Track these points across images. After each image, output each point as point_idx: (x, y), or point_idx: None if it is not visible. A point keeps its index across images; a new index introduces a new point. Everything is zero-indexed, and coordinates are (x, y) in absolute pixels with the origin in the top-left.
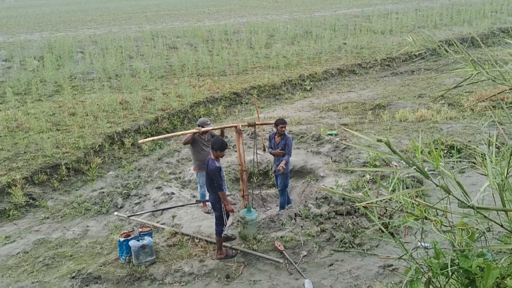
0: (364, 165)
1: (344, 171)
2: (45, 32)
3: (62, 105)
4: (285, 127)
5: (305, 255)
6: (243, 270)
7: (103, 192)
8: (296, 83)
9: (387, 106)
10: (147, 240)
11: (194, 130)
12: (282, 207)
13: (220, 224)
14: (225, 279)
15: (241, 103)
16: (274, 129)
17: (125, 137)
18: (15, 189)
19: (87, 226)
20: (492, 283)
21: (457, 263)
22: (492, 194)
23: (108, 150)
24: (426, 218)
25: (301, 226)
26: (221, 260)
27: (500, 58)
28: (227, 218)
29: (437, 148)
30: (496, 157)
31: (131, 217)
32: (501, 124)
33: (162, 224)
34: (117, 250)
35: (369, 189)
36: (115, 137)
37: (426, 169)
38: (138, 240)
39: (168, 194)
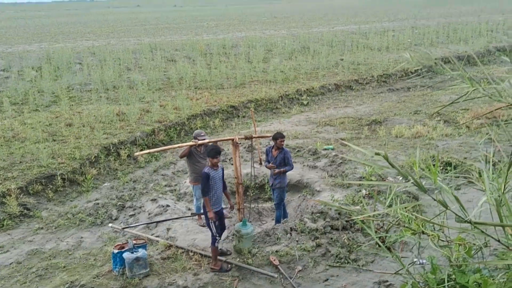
0: (360, 180)
1: (340, 186)
2: (44, 43)
3: (59, 116)
4: (283, 141)
5: (300, 270)
6: (238, 285)
7: (98, 204)
8: (293, 97)
9: (383, 122)
10: (141, 252)
11: (190, 143)
12: (277, 221)
13: (213, 234)
14: None
15: (238, 116)
16: (272, 143)
17: (121, 148)
18: (10, 199)
19: (81, 237)
20: None
21: (454, 279)
22: (490, 209)
23: (104, 161)
24: (423, 232)
25: (297, 241)
26: (215, 273)
27: (496, 76)
28: (215, 227)
29: (434, 164)
30: (493, 173)
31: (125, 229)
32: (498, 142)
33: (156, 236)
34: (111, 262)
35: (366, 204)
36: (111, 148)
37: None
38: (132, 252)
39: (163, 206)
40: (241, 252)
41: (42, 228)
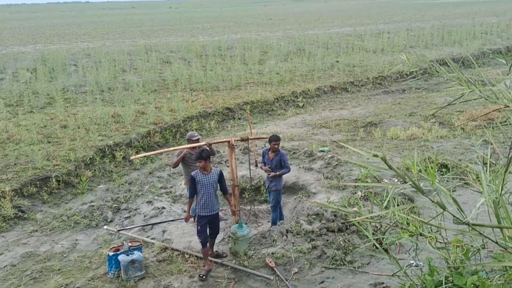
0: (356, 181)
1: (336, 188)
2: (39, 45)
3: (54, 118)
4: (278, 144)
5: (296, 272)
6: (234, 287)
7: (93, 206)
8: (289, 99)
9: (379, 124)
10: (136, 254)
11: (185, 147)
12: (274, 223)
13: (199, 235)
14: None
15: (234, 118)
16: (268, 145)
17: (116, 150)
18: (4, 201)
19: (76, 239)
20: None
21: (451, 281)
22: (488, 211)
23: (99, 163)
24: (421, 234)
25: (293, 243)
26: (201, 279)
27: (491, 78)
28: (200, 230)
29: (432, 166)
30: (490, 175)
31: (120, 231)
32: (492, 144)
33: (152, 239)
34: (106, 265)
35: (362, 206)
36: (106, 150)
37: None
38: (127, 255)
39: (158, 208)
40: (237, 254)
41: (36, 230)
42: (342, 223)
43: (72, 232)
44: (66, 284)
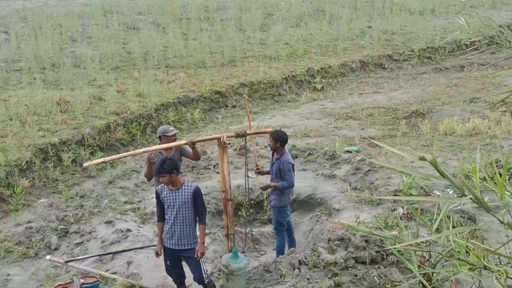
0: (395, 194)
1: (367, 203)
2: None
3: None
4: (277, 143)
5: None
6: None
7: (31, 228)
8: (302, 79)
9: (428, 113)
10: None
11: (159, 147)
12: (280, 251)
13: (168, 274)
14: None
15: (226, 106)
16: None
17: (63, 150)
18: None
19: (8, 274)
20: None
21: None
22: None
23: (40, 168)
24: (485, 267)
25: (308, 279)
26: None
27: None
28: (170, 263)
29: (501, 172)
30: None
31: (69, 263)
32: None
33: (113, 273)
34: None
35: (404, 228)
36: (50, 150)
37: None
38: None
39: (122, 231)
40: None
41: None
42: (376, 252)
43: (2, 264)
44: None
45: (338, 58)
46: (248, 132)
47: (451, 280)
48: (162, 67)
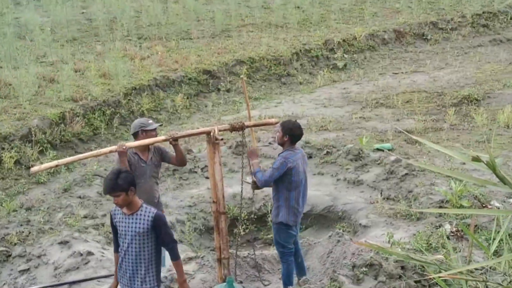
0: (441, 206)
1: (404, 217)
2: None
3: None
4: (287, 136)
5: None
6: None
7: None
8: (318, 55)
9: (484, 99)
10: None
11: (137, 144)
12: (286, 282)
13: None
14: None
15: (218, 89)
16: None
17: (3, 148)
18: None
19: None
20: None
21: None
22: None
23: None
24: None
25: None
26: None
27: None
28: None
29: None
30: None
31: None
32: None
33: None
34: None
35: (453, 250)
36: None
37: None
38: None
39: (81, 254)
40: None
41: None
42: (416, 282)
43: None
44: None
45: (365, 27)
46: (246, 124)
47: None
48: (133, 39)
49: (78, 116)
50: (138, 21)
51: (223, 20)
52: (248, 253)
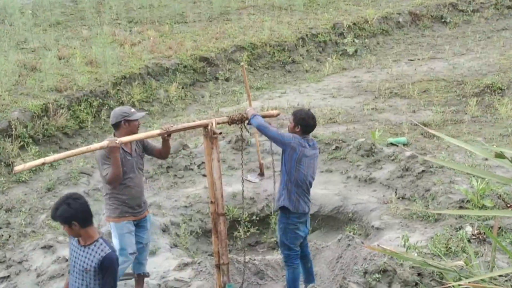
0: (461, 207)
1: (421, 219)
2: None
3: None
4: (299, 126)
5: None
6: None
7: None
8: (326, 40)
9: (508, 88)
10: None
11: (126, 139)
12: None
13: None
14: None
15: (216, 78)
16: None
17: None
18: None
19: None
20: None
21: None
22: None
23: None
24: None
25: None
26: None
27: None
28: None
29: None
30: None
31: None
32: None
33: None
34: None
35: (474, 255)
36: None
37: None
38: None
39: (66, 260)
40: None
41: None
42: None
43: None
44: None
45: (378, 9)
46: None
47: None
48: (123, 23)
49: (62, 108)
50: (128, 3)
51: (221, 1)
52: (250, 258)
